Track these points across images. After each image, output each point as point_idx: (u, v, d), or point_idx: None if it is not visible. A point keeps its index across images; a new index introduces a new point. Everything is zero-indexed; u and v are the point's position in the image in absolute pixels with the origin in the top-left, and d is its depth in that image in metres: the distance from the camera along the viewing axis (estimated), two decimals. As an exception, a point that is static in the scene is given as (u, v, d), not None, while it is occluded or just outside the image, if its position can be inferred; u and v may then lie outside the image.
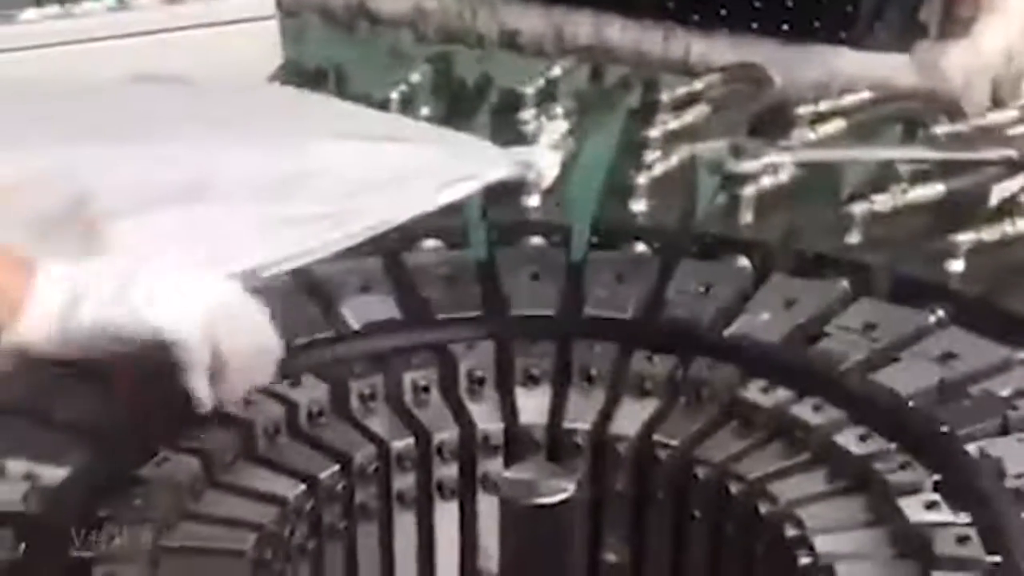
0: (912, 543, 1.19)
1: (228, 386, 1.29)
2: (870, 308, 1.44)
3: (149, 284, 1.29)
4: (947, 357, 1.37)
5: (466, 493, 1.37)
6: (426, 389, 1.38)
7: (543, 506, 1.19)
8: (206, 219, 1.53)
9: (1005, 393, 1.33)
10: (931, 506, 1.21)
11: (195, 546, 1.22)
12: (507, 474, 1.21)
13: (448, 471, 1.36)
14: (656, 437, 1.34)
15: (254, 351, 1.30)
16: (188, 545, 1.22)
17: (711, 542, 1.33)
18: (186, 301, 1.29)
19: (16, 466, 1.24)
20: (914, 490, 1.22)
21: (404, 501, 1.36)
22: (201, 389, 1.28)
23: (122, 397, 1.32)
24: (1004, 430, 1.29)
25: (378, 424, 1.36)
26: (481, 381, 1.38)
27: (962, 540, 1.17)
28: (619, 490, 1.35)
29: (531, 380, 1.38)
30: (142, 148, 1.61)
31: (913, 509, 1.21)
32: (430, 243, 1.59)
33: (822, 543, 1.21)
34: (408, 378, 1.38)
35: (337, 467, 1.32)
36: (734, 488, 1.29)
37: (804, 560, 1.21)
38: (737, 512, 1.30)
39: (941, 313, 1.44)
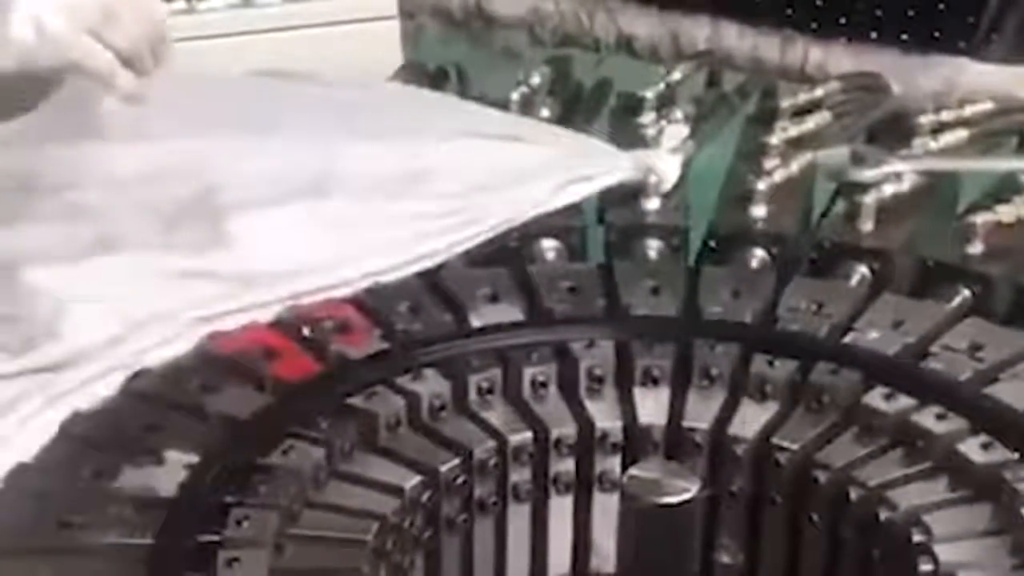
0: (1035, 553, 1.19)
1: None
2: (978, 328, 1.43)
3: None
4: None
5: (581, 490, 1.38)
6: (544, 385, 1.39)
7: (666, 505, 1.19)
8: (331, 215, 1.55)
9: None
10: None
11: (318, 535, 1.23)
12: (631, 472, 1.22)
13: (565, 467, 1.37)
14: (775, 440, 1.34)
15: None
16: (311, 533, 1.23)
17: (828, 547, 1.33)
18: None
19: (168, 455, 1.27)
20: (1041, 500, 1.22)
21: (520, 496, 1.37)
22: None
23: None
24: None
25: (497, 418, 1.37)
26: (600, 380, 1.39)
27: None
28: (735, 492, 1.35)
29: (651, 380, 1.39)
30: (267, 142, 1.64)
31: (1039, 519, 1.20)
32: (548, 243, 1.60)
33: (943, 551, 1.21)
34: (527, 373, 1.38)
35: (457, 460, 1.33)
36: (854, 493, 1.29)
37: (925, 567, 1.20)
38: (856, 517, 1.29)
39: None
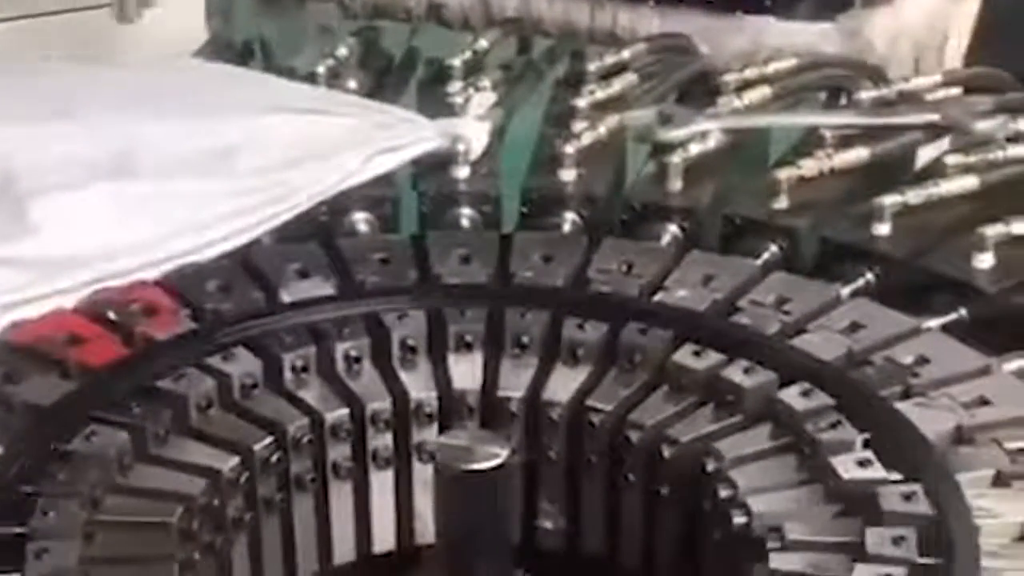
0: (851, 501, 1.20)
1: None
2: (784, 282, 1.44)
3: None
4: (855, 327, 1.37)
5: (401, 463, 1.37)
6: (358, 359, 1.38)
7: (477, 472, 1.19)
8: (136, 196, 1.52)
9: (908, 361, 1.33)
10: (864, 463, 1.22)
11: (123, 520, 1.21)
12: (441, 439, 1.21)
13: (383, 441, 1.36)
14: (589, 402, 1.34)
15: None
16: (117, 519, 1.21)
17: (645, 505, 1.34)
18: None
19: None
20: (846, 448, 1.23)
21: (339, 472, 1.36)
22: None
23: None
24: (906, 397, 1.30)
25: (311, 395, 1.35)
26: (414, 350, 1.38)
27: (908, 497, 1.18)
28: (553, 456, 1.36)
29: (464, 347, 1.38)
30: (67, 126, 1.60)
31: (846, 467, 1.21)
32: (360, 215, 1.59)
33: (756, 503, 1.22)
34: (340, 349, 1.37)
35: (271, 438, 1.31)
36: (667, 451, 1.30)
37: (739, 520, 1.21)
38: (671, 475, 1.30)
39: (860, 282, 1.46)
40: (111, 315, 1.40)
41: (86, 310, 1.41)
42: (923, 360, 1.33)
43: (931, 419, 1.26)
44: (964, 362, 1.33)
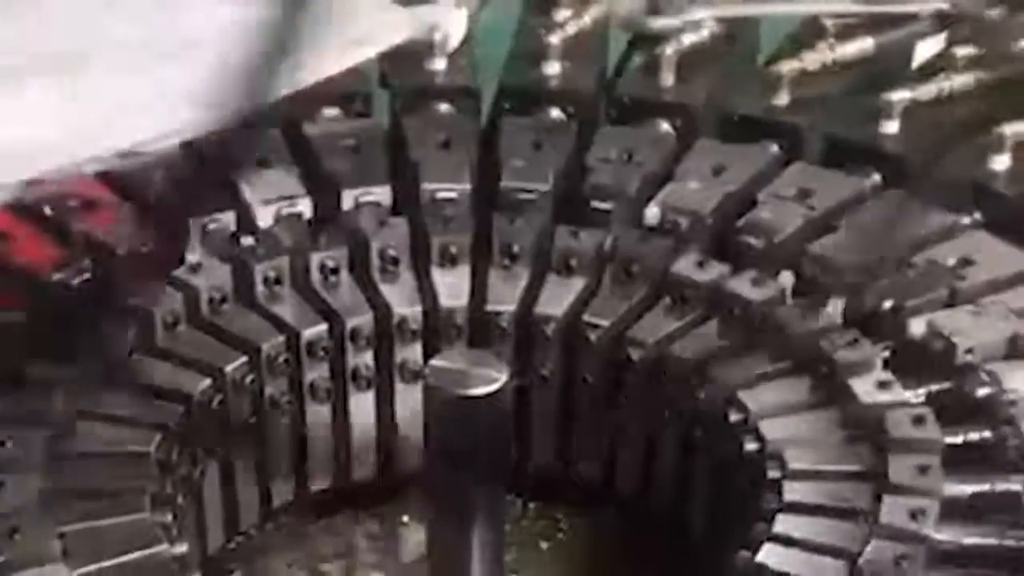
0: (865, 425, 1.12)
1: None
2: (804, 173, 1.36)
3: None
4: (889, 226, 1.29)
5: (383, 382, 1.28)
6: (335, 271, 1.28)
7: (475, 397, 1.10)
8: (87, 91, 1.41)
9: (951, 263, 1.25)
10: (884, 385, 1.14)
11: (95, 450, 1.12)
12: (434, 362, 1.11)
13: (363, 359, 1.27)
14: (585, 317, 1.26)
15: None
16: (87, 449, 1.12)
17: (646, 428, 1.26)
18: None
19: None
20: (864, 369, 1.15)
21: (317, 393, 1.27)
22: None
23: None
24: (951, 302, 1.22)
25: (287, 311, 1.26)
26: (395, 261, 1.29)
27: (918, 421, 1.11)
28: (547, 375, 1.27)
29: (449, 260, 1.29)
30: (9, 17, 1.49)
31: (865, 389, 1.14)
32: (331, 111, 1.49)
33: (767, 427, 1.14)
34: (315, 259, 1.27)
35: (244, 358, 1.22)
36: (669, 370, 1.22)
37: (750, 447, 1.14)
38: (676, 397, 1.22)
39: (877, 177, 1.37)
40: (46, 211, 1.30)
41: (18, 206, 1.31)
42: (967, 262, 1.24)
43: (984, 328, 1.18)
44: (1010, 264, 1.25)
